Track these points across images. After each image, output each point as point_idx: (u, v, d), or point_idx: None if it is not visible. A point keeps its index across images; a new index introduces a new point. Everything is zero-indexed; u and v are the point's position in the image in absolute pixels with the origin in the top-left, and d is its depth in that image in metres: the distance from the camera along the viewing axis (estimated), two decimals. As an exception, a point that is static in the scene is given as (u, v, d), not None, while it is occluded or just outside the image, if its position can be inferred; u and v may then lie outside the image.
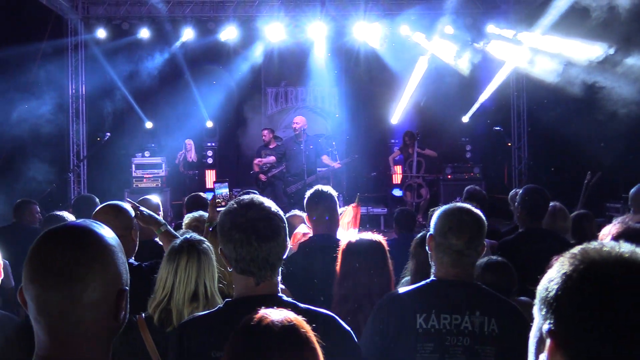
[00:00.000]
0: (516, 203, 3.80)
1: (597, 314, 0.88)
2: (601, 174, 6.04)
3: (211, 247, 2.44)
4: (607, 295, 0.88)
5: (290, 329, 1.26)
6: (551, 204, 4.02)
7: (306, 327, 1.28)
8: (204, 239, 2.50)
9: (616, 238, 2.33)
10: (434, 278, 2.19)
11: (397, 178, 10.69)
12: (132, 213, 2.85)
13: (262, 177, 9.12)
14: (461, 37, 10.78)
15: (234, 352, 1.26)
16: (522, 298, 2.84)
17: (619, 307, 0.87)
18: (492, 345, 2.04)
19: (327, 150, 9.40)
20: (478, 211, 2.19)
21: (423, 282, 2.21)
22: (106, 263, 1.20)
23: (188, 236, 2.47)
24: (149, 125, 11.14)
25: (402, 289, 2.27)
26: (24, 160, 9.17)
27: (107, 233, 1.25)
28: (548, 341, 0.93)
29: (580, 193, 5.90)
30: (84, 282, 1.16)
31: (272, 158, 9.31)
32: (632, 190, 4.20)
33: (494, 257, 2.99)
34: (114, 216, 2.71)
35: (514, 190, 6.11)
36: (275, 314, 1.28)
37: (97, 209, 2.86)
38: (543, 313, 0.95)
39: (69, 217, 3.90)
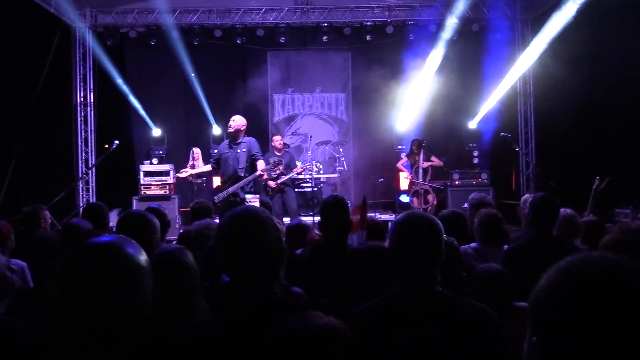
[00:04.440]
0: (525, 210, 3.79)
1: (577, 327, 0.85)
2: (610, 180, 6.00)
3: None
4: (587, 309, 0.85)
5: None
6: (562, 210, 4.01)
7: None
8: None
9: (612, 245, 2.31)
10: None
11: (404, 184, 10.66)
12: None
13: (272, 183, 9.10)
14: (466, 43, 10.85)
15: None
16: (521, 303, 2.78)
17: (598, 321, 0.84)
18: None
19: (262, 155, 7.81)
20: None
21: None
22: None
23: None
24: (156, 132, 11.18)
25: None
26: (33, 168, 9.22)
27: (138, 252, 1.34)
28: (536, 352, 0.91)
29: (589, 198, 5.86)
30: None
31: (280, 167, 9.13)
32: None
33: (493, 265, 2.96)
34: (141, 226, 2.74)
35: (527, 195, 6.08)
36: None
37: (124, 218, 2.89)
38: (531, 324, 0.93)
39: (87, 224, 3.89)
